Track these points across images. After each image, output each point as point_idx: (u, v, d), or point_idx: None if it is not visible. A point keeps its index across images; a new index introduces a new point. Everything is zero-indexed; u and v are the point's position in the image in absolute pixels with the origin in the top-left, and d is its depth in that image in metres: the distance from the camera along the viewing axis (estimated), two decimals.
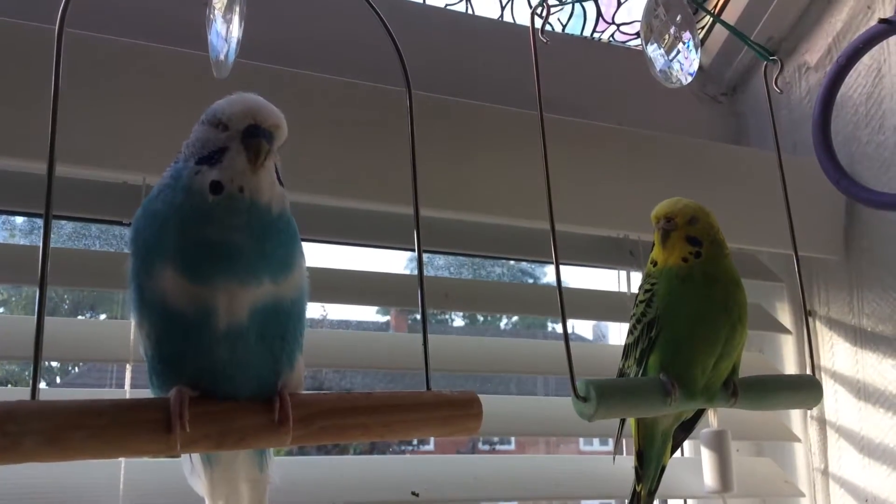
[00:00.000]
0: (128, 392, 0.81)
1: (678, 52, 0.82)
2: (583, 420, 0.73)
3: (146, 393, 0.78)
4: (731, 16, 1.21)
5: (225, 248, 0.54)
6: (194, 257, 0.54)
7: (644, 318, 0.78)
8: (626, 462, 0.93)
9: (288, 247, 0.57)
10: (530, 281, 1.63)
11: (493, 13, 1.16)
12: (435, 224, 0.95)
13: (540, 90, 0.78)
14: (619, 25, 1.22)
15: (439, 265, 1.20)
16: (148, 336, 0.57)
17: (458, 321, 1.75)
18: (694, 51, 0.82)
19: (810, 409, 1.06)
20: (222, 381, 0.56)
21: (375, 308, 1.63)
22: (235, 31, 0.64)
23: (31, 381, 0.53)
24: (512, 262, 1.39)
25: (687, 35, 0.82)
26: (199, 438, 0.54)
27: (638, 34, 1.22)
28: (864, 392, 1.08)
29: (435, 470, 0.93)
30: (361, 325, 1.87)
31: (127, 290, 0.57)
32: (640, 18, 1.19)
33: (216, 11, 0.63)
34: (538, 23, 0.79)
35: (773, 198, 0.94)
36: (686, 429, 0.85)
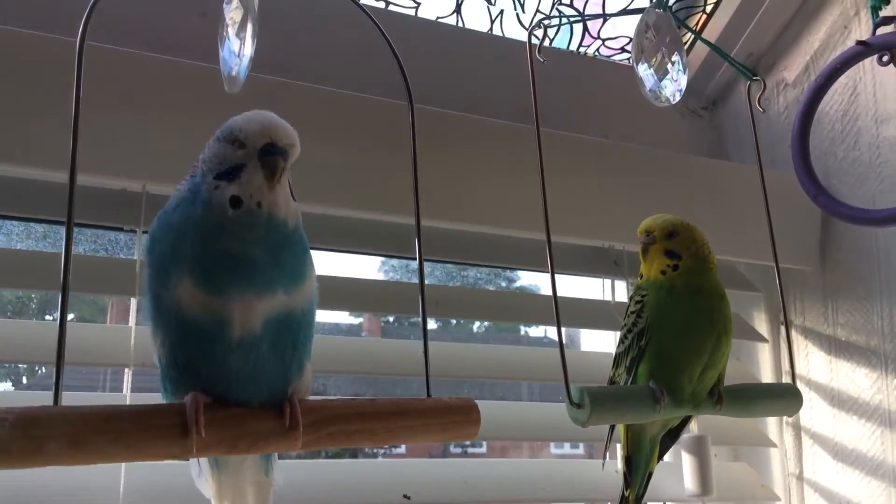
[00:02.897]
0: (127, 397, 0.82)
1: (667, 72, 0.85)
2: (570, 425, 0.76)
3: (146, 398, 0.80)
4: (712, 32, 1.24)
5: (243, 260, 0.55)
6: (212, 269, 0.55)
7: (635, 328, 0.81)
8: (610, 466, 0.96)
9: (301, 258, 0.59)
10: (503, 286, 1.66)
11: (483, 26, 1.18)
12: (424, 233, 0.96)
13: (536, 108, 0.80)
14: (604, 40, 1.25)
15: (427, 274, 1.21)
16: (162, 344, 0.58)
17: (431, 324, 1.77)
18: (682, 72, 0.85)
19: (790, 416, 1.10)
20: (235, 387, 0.58)
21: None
22: (248, 48, 0.66)
23: (53, 387, 0.54)
24: (487, 269, 1.41)
25: (676, 56, 0.85)
26: (214, 443, 0.56)
27: (622, 49, 1.25)
28: (837, 399, 1.12)
29: (426, 473, 0.95)
30: (337, 328, 1.89)
31: (142, 299, 0.59)
32: (624, 34, 1.22)
33: (229, 29, 0.65)
34: (535, 42, 0.82)
35: (751, 210, 0.97)
36: (672, 436, 0.88)
